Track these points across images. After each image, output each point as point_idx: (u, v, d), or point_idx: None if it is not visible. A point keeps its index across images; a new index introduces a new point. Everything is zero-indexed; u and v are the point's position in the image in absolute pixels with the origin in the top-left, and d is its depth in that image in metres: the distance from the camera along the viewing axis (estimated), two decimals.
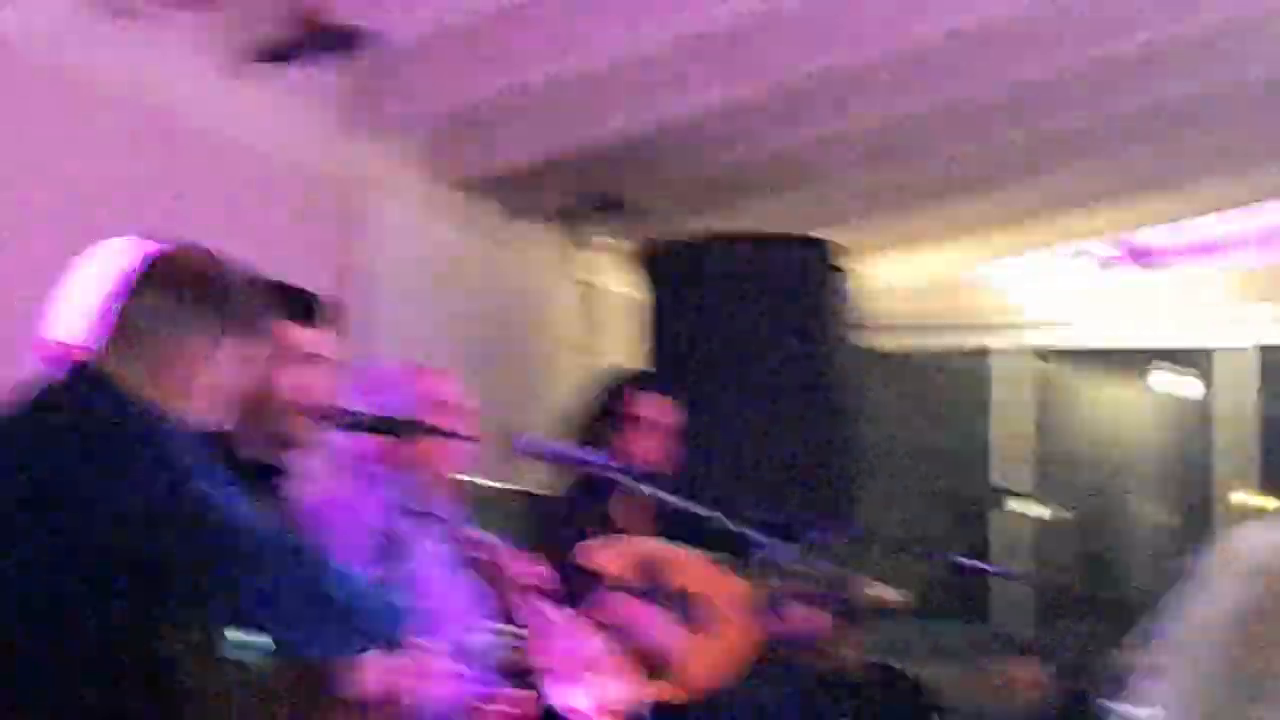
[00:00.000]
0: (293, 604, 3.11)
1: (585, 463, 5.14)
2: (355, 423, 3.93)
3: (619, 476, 5.18)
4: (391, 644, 3.55)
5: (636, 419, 5.84)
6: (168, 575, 3.02)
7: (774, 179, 7.70)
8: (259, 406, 3.90)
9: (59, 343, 3.25)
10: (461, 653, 4.26)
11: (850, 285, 7.69)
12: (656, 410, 5.89)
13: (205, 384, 3.30)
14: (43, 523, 3.02)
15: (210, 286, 3.30)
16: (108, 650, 3.01)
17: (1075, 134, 7.48)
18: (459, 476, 6.06)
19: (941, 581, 9.86)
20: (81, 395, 3.17)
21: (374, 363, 5.40)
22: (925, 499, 10.14)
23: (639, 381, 6.02)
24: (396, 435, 4.02)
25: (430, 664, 3.96)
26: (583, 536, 5.54)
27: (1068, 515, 10.01)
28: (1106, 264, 9.28)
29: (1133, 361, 9.94)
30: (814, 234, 7.59)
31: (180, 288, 3.27)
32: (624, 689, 4.90)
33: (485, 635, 4.62)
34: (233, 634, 3.11)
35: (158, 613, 3.03)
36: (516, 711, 4.41)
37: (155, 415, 3.16)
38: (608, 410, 5.91)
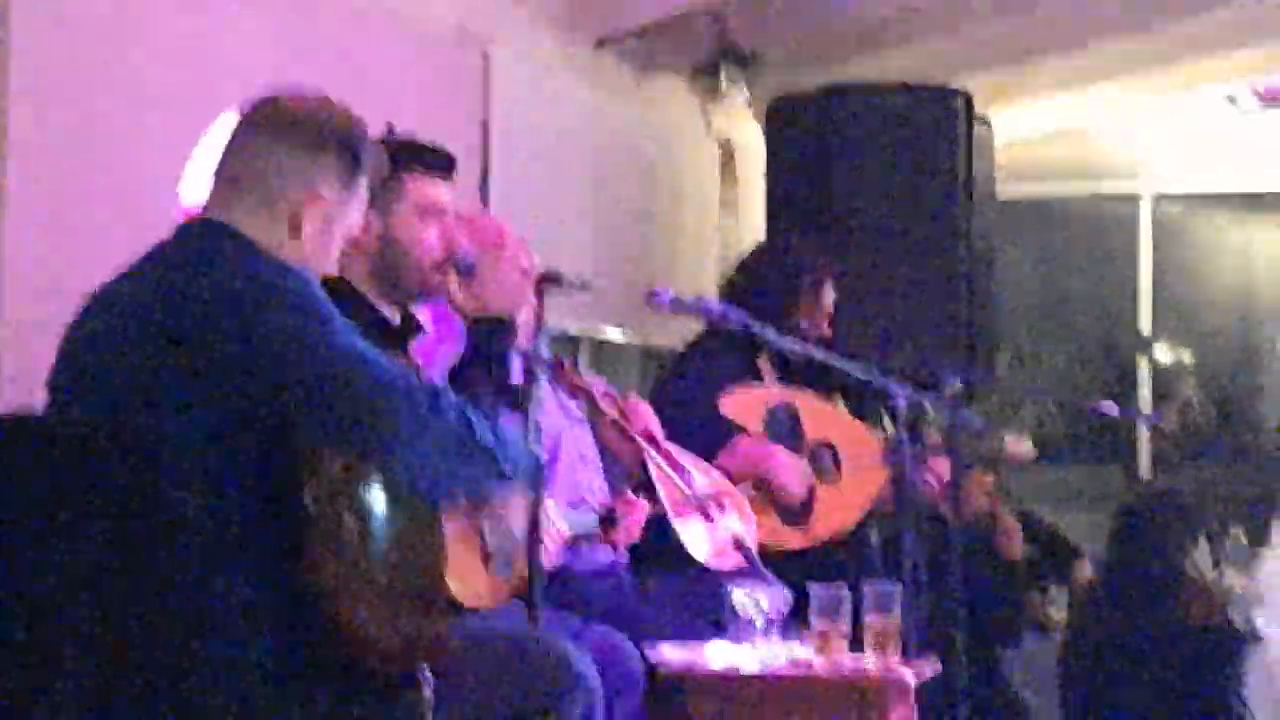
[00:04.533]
0: (437, 444, 3.07)
1: (725, 317, 5.16)
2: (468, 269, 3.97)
3: (758, 330, 5.20)
4: (525, 487, 3.55)
5: (819, 306, 5.89)
6: (307, 424, 3.01)
7: (903, 29, 7.64)
8: (388, 260, 3.96)
9: (188, 206, 3.29)
10: (575, 503, 4.32)
11: (989, 135, 7.65)
12: (832, 301, 5.95)
13: (330, 231, 3.27)
14: (169, 375, 3.03)
15: (330, 133, 3.25)
16: (248, 501, 3.03)
17: None
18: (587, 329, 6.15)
19: (1085, 427, 9.88)
20: (200, 249, 3.15)
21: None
22: (1070, 347, 10.11)
23: (828, 269, 6.01)
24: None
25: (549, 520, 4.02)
26: (718, 388, 5.58)
27: (1206, 363, 9.97)
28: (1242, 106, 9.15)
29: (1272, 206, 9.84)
30: (943, 80, 7.54)
31: (299, 135, 3.23)
32: (744, 529, 4.96)
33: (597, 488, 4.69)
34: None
35: (299, 464, 3.03)
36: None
37: (278, 263, 3.14)
38: (789, 286, 5.92)
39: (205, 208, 3.22)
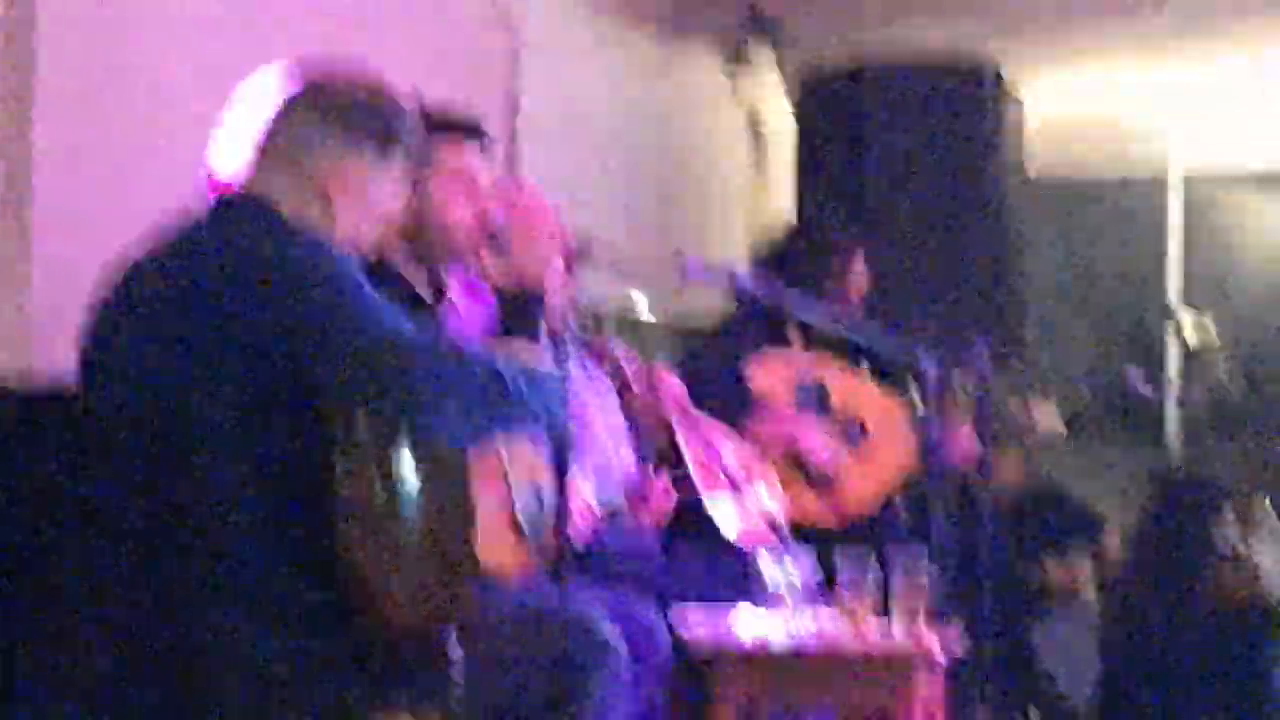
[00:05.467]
0: (465, 403, 3.07)
1: (753, 287, 5.15)
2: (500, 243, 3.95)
3: (787, 301, 5.17)
4: (556, 425, 3.50)
5: (848, 279, 5.86)
6: (336, 391, 3.00)
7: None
8: (420, 230, 3.95)
9: (215, 175, 3.27)
10: (603, 475, 4.31)
11: (1020, 113, 7.63)
12: (863, 273, 5.91)
13: (364, 209, 3.26)
14: (199, 350, 3.01)
15: (365, 109, 3.24)
16: (278, 474, 3.01)
17: None
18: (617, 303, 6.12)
19: (1114, 404, 9.85)
20: (232, 222, 3.14)
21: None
22: (1098, 324, 10.09)
23: (857, 242, 5.98)
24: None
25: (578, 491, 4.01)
26: (746, 358, 5.57)
27: (1230, 342, 9.93)
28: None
29: None
30: (975, 55, 7.51)
31: (334, 111, 3.22)
32: (773, 502, 4.94)
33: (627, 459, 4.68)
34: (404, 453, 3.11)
35: (327, 434, 3.01)
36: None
37: (309, 237, 3.12)
38: (818, 258, 5.90)
39: (239, 182, 3.22)
